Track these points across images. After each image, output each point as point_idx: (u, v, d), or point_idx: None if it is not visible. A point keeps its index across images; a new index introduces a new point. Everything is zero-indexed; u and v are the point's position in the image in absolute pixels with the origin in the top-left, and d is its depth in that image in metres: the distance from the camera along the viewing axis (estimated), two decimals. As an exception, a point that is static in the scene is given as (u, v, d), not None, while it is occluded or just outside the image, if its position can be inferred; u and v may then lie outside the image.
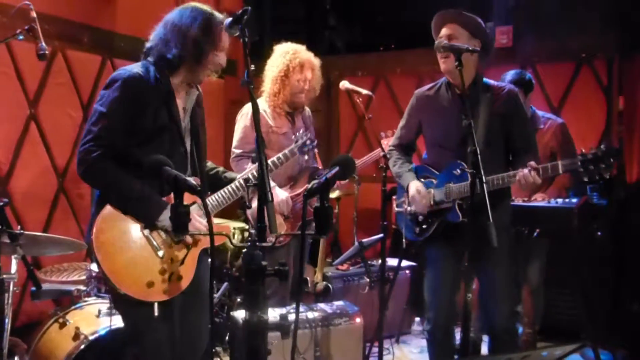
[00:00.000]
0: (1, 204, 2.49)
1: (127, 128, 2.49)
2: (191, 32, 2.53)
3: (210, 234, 1.87)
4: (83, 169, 2.47)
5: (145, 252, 2.53)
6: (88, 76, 4.76)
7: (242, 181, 2.82)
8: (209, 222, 1.90)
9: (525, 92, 4.10)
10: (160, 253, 2.55)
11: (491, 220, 2.52)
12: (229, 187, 2.82)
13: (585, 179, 2.85)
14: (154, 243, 2.55)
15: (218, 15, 2.60)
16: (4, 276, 2.52)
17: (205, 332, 2.76)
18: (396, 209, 3.55)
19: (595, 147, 2.84)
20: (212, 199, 2.80)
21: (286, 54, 3.87)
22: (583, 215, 3.74)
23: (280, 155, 3.25)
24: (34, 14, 2.87)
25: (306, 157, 3.35)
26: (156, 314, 2.50)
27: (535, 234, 3.79)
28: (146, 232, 2.55)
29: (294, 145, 3.27)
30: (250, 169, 2.89)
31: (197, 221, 2.62)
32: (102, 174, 2.48)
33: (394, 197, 3.62)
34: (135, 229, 2.54)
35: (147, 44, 2.65)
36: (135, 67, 2.59)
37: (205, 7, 2.62)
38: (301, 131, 3.32)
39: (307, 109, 4.08)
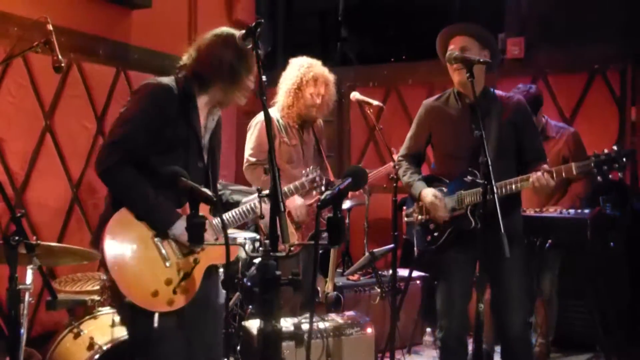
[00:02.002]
0: (19, 215, 2.50)
1: (150, 136, 2.52)
2: (227, 56, 2.58)
3: (226, 244, 1.88)
4: (102, 168, 2.51)
5: (154, 261, 2.54)
6: (103, 88, 4.81)
7: (250, 206, 2.81)
8: (225, 232, 1.91)
9: (533, 111, 4.11)
10: (168, 263, 2.56)
11: (503, 230, 2.52)
12: (237, 210, 2.81)
13: (599, 179, 2.85)
14: (163, 252, 2.56)
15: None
16: (20, 286, 2.54)
17: (218, 345, 2.75)
18: (406, 219, 3.55)
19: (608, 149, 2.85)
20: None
21: (301, 67, 3.90)
22: (596, 226, 3.73)
23: (290, 186, 3.23)
24: (50, 27, 2.90)
25: (314, 192, 3.33)
26: (155, 324, 2.50)
27: (547, 244, 3.78)
28: (157, 240, 2.56)
29: (304, 179, 3.24)
30: (253, 198, 2.87)
31: (210, 235, 2.62)
32: (119, 177, 2.51)
33: (404, 207, 3.63)
34: (146, 236, 2.55)
35: (182, 60, 2.69)
36: (165, 79, 2.63)
37: (234, 30, 2.62)
38: (311, 167, 3.31)
39: (320, 121, 4.11)
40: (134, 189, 2.53)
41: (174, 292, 2.53)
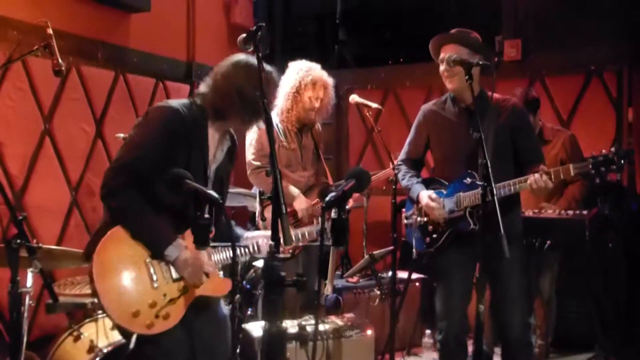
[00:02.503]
0: (20, 217, 2.52)
1: (158, 161, 2.47)
2: (248, 91, 2.50)
3: (232, 247, 1.88)
4: (105, 191, 2.48)
5: (141, 281, 2.48)
6: (101, 91, 4.81)
7: (252, 247, 2.74)
8: (230, 229, 1.88)
9: (533, 111, 4.14)
10: (156, 284, 2.49)
11: (503, 232, 2.54)
12: (239, 248, 2.73)
13: (597, 181, 2.87)
14: (153, 274, 2.50)
15: (268, 69, 2.60)
16: (21, 290, 2.54)
17: (224, 353, 2.71)
18: (405, 221, 3.57)
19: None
20: (220, 253, 2.70)
21: (299, 71, 3.92)
22: (595, 227, 3.75)
23: (298, 232, 2.99)
24: (50, 31, 2.92)
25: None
26: (131, 347, 2.47)
27: (546, 245, 3.79)
28: (148, 260, 2.51)
29: (313, 227, 3.04)
30: (256, 236, 2.79)
31: (208, 265, 2.58)
32: (122, 201, 2.47)
33: (403, 209, 3.64)
34: (139, 255, 2.49)
35: (200, 89, 2.66)
36: (177, 103, 2.59)
37: (254, 59, 2.50)
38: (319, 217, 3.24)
39: (318, 124, 4.13)
40: (134, 214, 2.49)
41: (156, 316, 2.46)
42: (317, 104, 3.89)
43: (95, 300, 3.50)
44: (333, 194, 1.86)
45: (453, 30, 3.28)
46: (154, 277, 2.49)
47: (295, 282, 1.82)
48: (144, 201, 2.48)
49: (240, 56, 2.63)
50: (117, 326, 2.65)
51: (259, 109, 2.45)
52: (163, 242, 2.48)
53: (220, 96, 2.58)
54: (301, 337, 1.80)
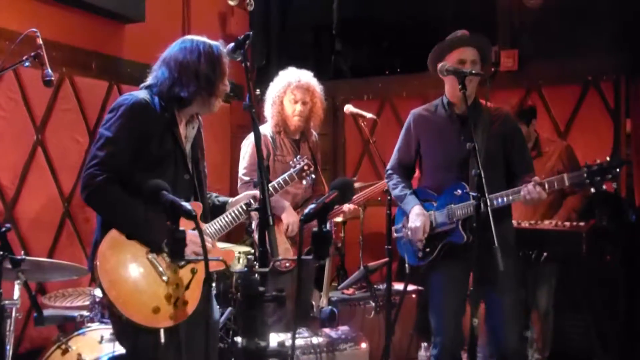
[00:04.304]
0: (3, 229, 2.48)
1: (133, 153, 2.50)
2: (201, 68, 2.56)
3: (205, 260, 1.84)
4: (87, 192, 2.47)
5: (151, 278, 2.51)
6: (95, 102, 4.79)
7: (243, 206, 2.81)
8: (204, 248, 1.87)
9: (528, 120, 4.12)
10: (165, 278, 2.53)
11: (497, 244, 2.49)
12: (229, 213, 2.80)
13: (592, 191, 2.82)
14: (159, 268, 2.53)
15: (214, 43, 2.64)
16: (6, 302, 2.51)
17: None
18: (395, 234, 3.51)
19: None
20: (214, 225, 2.77)
21: (284, 78, 3.87)
22: (592, 239, 3.70)
23: (280, 180, 3.24)
24: (40, 41, 2.89)
25: (304, 182, 3.33)
26: (162, 340, 2.47)
27: (543, 257, 3.74)
28: (151, 256, 2.53)
29: (292, 170, 3.26)
30: (245, 195, 2.89)
31: (197, 246, 2.58)
32: (106, 198, 2.47)
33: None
34: (139, 254, 2.52)
35: (150, 81, 2.66)
36: (141, 93, 2.60)
37: (202, 39, 2.65)
38: (298, 157, 3.31)
39: (315, 135, 4.07)
40: (121, 208, 2.49)
41: (175, 305, 2.51)
42: (299, 107, 3.82)
43: (85, 312, 3.53)
44: (312, 206, 1.81)
45: (467, 33, 3.23)
46: (161, 271, 2.53)
47: (275, 297, 1.77)
48: (128, 196, 2.48)
49: (186, 37, 2.67)
50: (117, 339, 2.66)
51: (215, 87, 2.58)
52: (158, 237, 2.48)
53: (176, 83, 2.57)
54: (280, 353, 1.76)
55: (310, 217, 1.73)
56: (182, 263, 2.56)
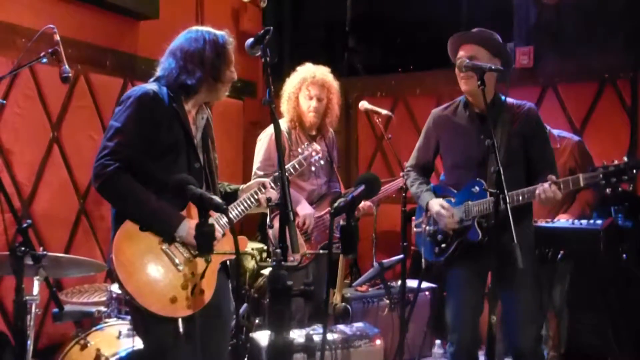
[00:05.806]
0: (25, 225, 2.49)
1: (143, 143, 2.53)
2: (206, 54, 2.61)
3: (236, 253, 1.85)
4: (100, 182, 2.49)
5: (166, 268, 2.53)
6: (110, 99, 4.80)
7: (252, 197, 2.82)
8: (235, 240, 1.88)
9: None
10: (181, 267, 2.55)
11: (516, 241, 2.48)
12: (241, 202, 2.81)
13: (608, 191, 2.79)
14: (174, 258, 2.55)
15: (219, 32, 2.71)
16: (27, 298, 2.52)
17: (224, 354, 2.74)
18: (415, 229, 3.51)
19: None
20: (232, 212, 2.78)
21: (299, 74, 3.87)
22: (609, 237, 3.66)
23: (289, 166, 3.23)
24: (57, 38, 2.90)
25: (313, 168, 3.33)
26: (181, 330, 2.50)
27: (559, 256, 3.71)
28: (165, 247, 2.55)
29: (300, 157, 3.27)
30: (256, 181, 2.91)
31: (217, 231, 2.59)
32: (117, 187, 2.49)
33: (413, 217, 3.59)
34: (154, 245, 2.54)
35: (158, 73, 2.70)
36: (150, 85, 2.63)
37: (207, 28, 2.71)
38: (306, 144, 3.32)
39: (331, 132, 4.06)
40: (134, 198, 2.51)
41: (192, 294, 2.53)
42: (314, 104, 3.82)
43: (102, 308, 3.54)
44: (342, 200, 1.81)
45: (475, 30, 3.20)
46: (176, 261, 2.55)
47: (303, 291, 1.77)
48: (140, 185, 2.51)
49: (191, 28, 2.74)
50: (135, 331, 2.69)
51: (222, 75, 2.64)
52: (171, 225, 2.53)
53: (182, 71, 2.61)
54: (308, 348, 1.76)
55: (340, 211, 1.73)
56: (195, 252, 2.57)
